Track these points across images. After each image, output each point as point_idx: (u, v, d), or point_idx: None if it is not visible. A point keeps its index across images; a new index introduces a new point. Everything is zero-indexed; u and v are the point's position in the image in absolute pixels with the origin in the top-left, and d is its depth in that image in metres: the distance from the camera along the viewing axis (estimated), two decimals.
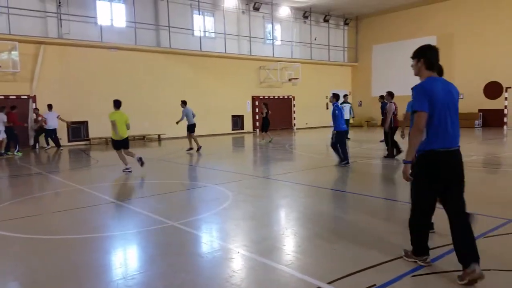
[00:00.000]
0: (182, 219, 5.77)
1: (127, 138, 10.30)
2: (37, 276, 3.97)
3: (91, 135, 19.12)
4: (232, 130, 24.58)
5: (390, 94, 11.79)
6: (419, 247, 3.87)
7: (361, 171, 10.08)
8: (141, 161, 10.29)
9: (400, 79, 26.58)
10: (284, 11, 26.67)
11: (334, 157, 11.10)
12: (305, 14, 27.52)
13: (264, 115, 18.29)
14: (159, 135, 20.99)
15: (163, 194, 7.84)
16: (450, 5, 25.25)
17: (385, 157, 11.66)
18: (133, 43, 20.08)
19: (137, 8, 20.30)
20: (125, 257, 4.56)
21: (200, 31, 22.88)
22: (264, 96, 25.33)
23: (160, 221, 5.74)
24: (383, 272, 3.79)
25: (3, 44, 16.53)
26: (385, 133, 11.77)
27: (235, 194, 7.37)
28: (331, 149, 10.90)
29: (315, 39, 28.44)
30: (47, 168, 11.98)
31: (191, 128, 14.93)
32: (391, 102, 11.58)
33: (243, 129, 25.00)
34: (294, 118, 26.91)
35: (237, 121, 24.95)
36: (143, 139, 20.37)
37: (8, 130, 14.72)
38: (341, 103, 17.46)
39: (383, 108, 13.53)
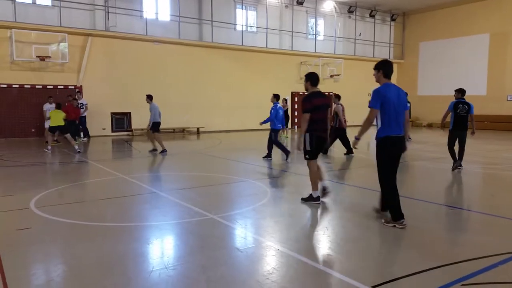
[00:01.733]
0: (221, 212, 5.78)
1: (64, 125, 13.00)
2: (82, 261, 4.07)
3: (133, 126, 19.63)
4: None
5: (337, 97, 12.39)
6: (396, 213, 5.01)
7: (410, 173, 9.71)
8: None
9: (448, 77, 25.55)
10: (328, 5, 26.19)
11: (371, 156, 10.79)
12: (350, 9, 26.92)
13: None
14: (198, 128, 21.24)
15: (203, 186, 7.90)
16: (506, 1, 23.86)
17: (344, 154, 12.11)
18: (176, 37, 20.38)
19: (182, 2, 20.57)
20: (166, 247, 4.61)
21: (242, 25, 22.90)
22: (304, 92, 25.03)
23: (200, 213, 5.78)
24: (431, 279, 3.62)
25: (54, 35, 17.23)
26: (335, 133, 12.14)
27: (273, 191, 7.31)
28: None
29: (360, 35, 27.74)
30: (91, 157, 12.38)
31: (155, 126, 12.65)
32: (339, 104, 12.11)
33: None
34: None
35: None
36: (183, 132, 20.69)
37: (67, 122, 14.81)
38: None
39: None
